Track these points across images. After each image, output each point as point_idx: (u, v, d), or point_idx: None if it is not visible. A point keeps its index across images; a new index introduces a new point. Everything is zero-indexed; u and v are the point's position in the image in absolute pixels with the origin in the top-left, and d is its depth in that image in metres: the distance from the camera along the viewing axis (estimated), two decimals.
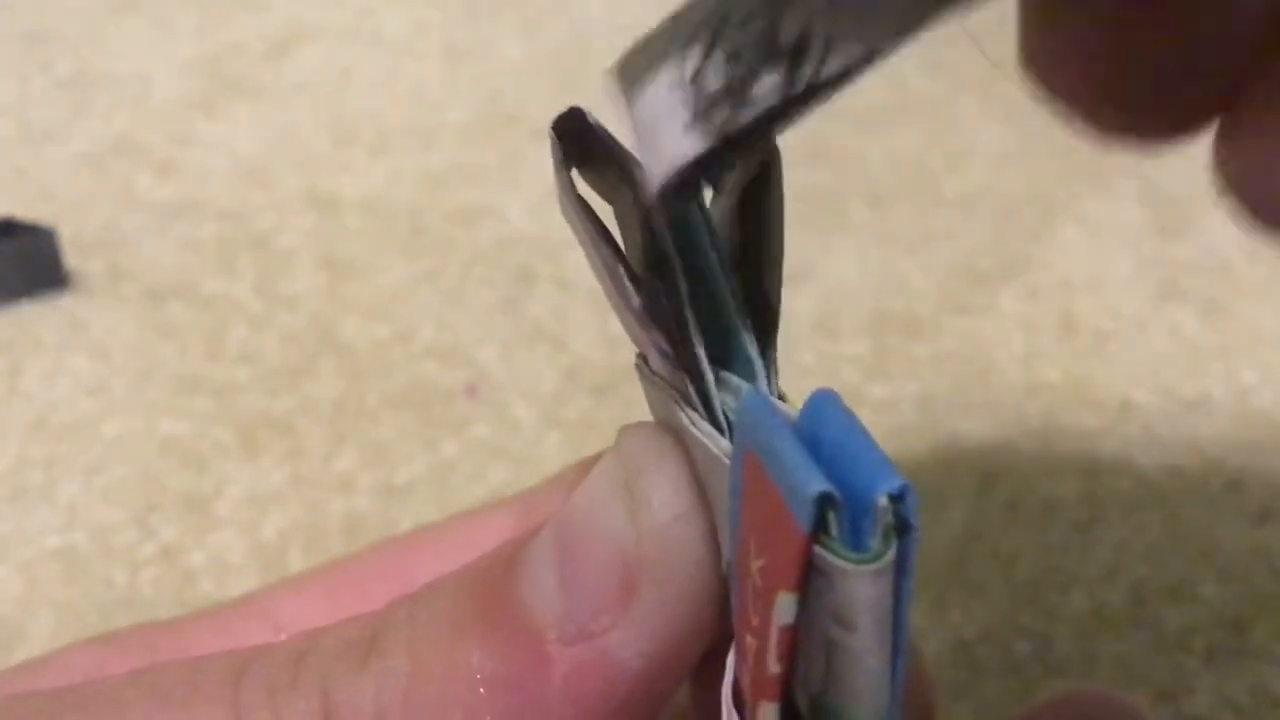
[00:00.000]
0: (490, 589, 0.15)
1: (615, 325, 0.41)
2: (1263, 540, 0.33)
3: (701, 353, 0.14)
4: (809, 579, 0.10)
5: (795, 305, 0.41)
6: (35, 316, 0.42)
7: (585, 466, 0.16)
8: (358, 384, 0.38)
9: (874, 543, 0.10)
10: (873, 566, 0.10)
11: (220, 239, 0.45)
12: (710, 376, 0.13)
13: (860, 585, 0.10)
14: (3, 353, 0.40)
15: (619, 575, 0.14)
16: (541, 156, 0.49)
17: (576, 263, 0.43)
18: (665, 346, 0.14)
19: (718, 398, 0.13)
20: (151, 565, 0.33)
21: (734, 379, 0.14)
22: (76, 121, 0.52)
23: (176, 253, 0.45)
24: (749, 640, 0.11)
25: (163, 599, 0.32)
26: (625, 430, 0.15)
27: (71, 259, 0.43)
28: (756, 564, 0.11)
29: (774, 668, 0.11)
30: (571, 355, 0.39)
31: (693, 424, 0.13)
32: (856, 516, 0.10)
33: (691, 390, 0.14)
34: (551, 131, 0.14)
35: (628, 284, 0.14)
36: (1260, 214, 0.13)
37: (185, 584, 0.32)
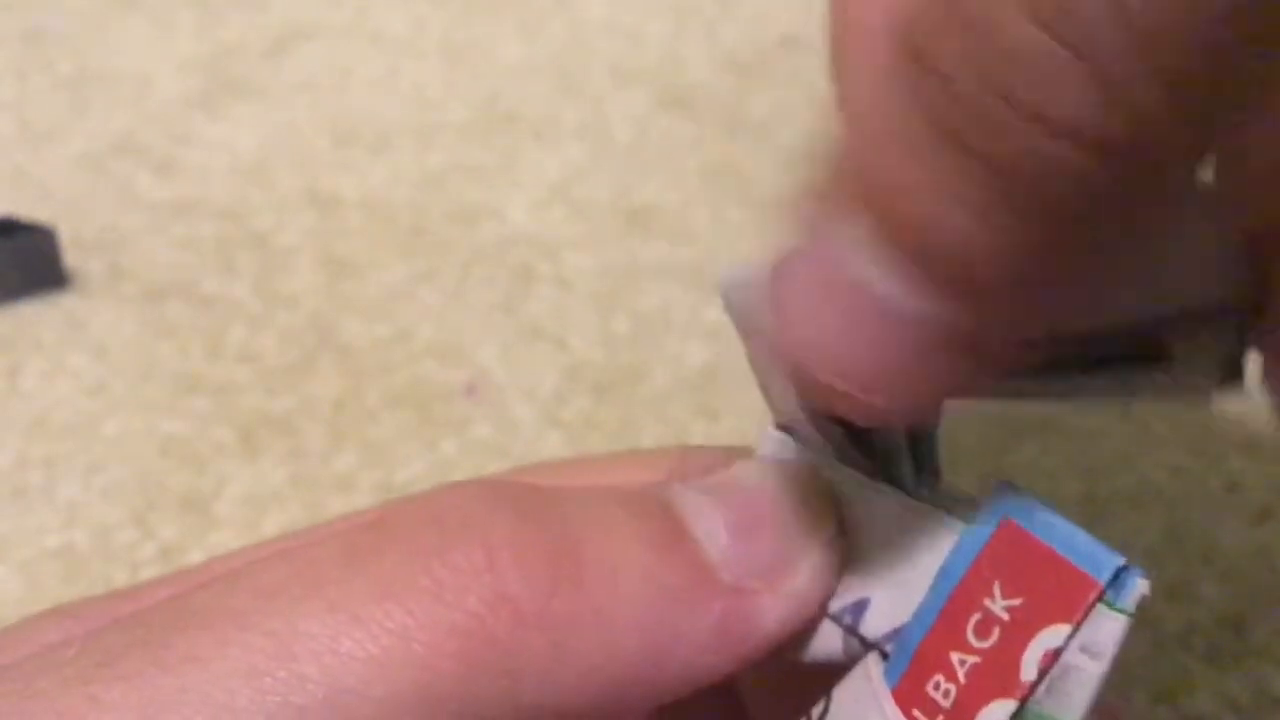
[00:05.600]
0: (657, 521, 0.16)
1: (615, 325, 0.41)
2: (1263, 540, 0.33)
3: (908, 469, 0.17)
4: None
5: None
6: (35, 316, 0.42)
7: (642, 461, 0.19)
8: (357, 384, 0.38)
9: (1129, 603, 0.15)
10: (1128, 618, 0.15)
11: (220, 238, 0.45)
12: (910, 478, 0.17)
13: (1119, 629, 0.15)
14: (3, 352, 0.40)
15: (782, 556, 0.17)
16: (541, 156, 0.49)
17: (576, 263, 0.43)
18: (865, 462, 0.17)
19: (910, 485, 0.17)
20: (151, 565, 0.33)
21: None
22: (76, 121, 0.52)
23: (176, 252, 0.45)
24: (959, 657, 0.15)
25: None
26: (793, 465, 0.18)
27: (71, 259, 0.43)
28: (1005, 602, 0.15)
29: (1029, 675, 0.15)
30: (571, 355, 0.39)
31: (879, 493, 0.17)
32: (1125, 583, 0.15)
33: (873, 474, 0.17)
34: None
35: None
36: None
37: None
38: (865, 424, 0.16)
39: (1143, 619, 0.33)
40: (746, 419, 0.37)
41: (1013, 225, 0.12)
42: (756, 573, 0.17)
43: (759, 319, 0.16)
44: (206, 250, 0.45)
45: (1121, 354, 0.16)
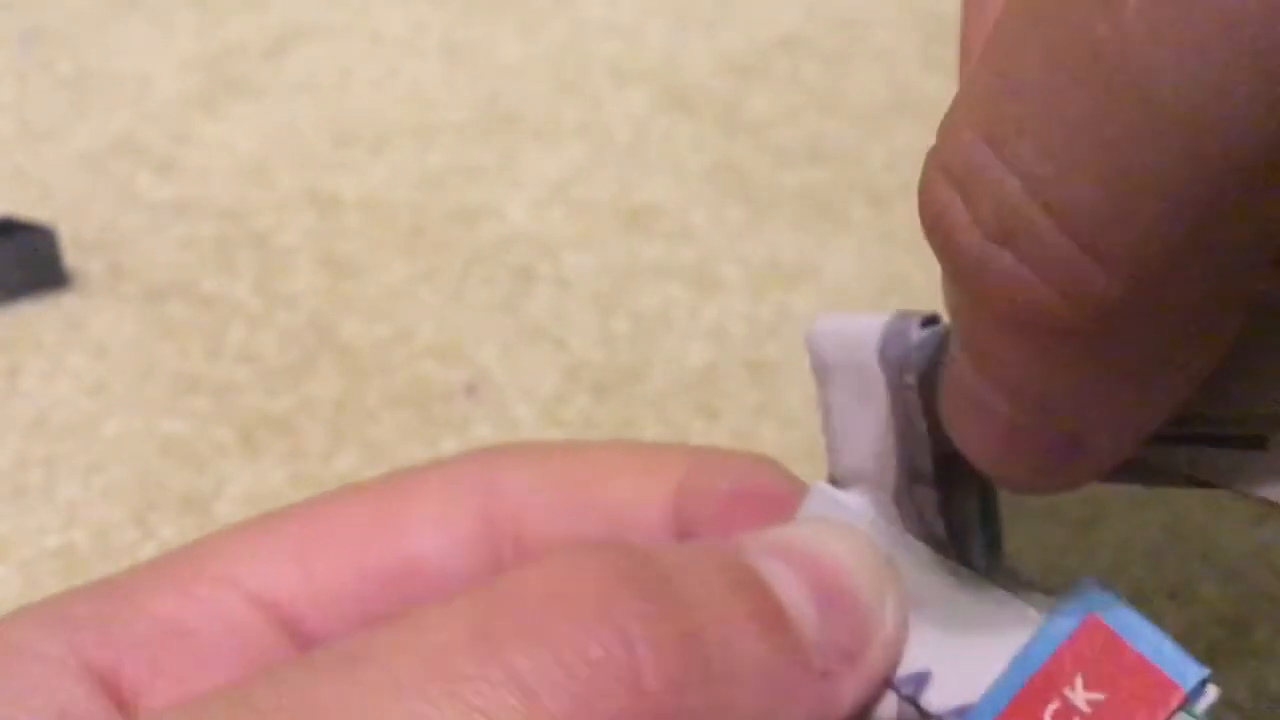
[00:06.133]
0: (758, 598, 0.17)
1: (615, 325, 0.41)
2: (1263, 540, 0.33)
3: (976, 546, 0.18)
4: None
5: (794, 305, 0.41)
6: (35, 316, 0.42)
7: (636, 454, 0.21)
8: (358, 383, 0.38)
9: (1203, 711, 0.16)
10: None
11: (220, 238, 0.45)
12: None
13: None
14: (3, 352, 0.40)
15: (861, 631, 0.17)
16: (541, 156, 0.49)
17: (576, 263, 0.43)
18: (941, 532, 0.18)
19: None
20: None
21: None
22: (76, 121, 0.52)
23: (176, 252, 0.45)
24: None
25: None
26: (855, 535, 0.18)
27: (71, 259, 0.43)
28: (1087, 695, 0.16)
29: None
30: (571, 355, 0.39)
31: (945, 565, 0.18)
32: (1203, 690, 0.16)
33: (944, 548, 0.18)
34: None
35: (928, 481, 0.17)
36: None
37: None
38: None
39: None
40: (746, 419, 0.37)
41: (1075, 375, 0.14)
42: (840, 653, 0.17)
43: (847, 364, 0.17)
44: (206, 250, 0.45)
45: (1217, 436, 0.17)
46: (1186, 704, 0.16)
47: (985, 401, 0.15)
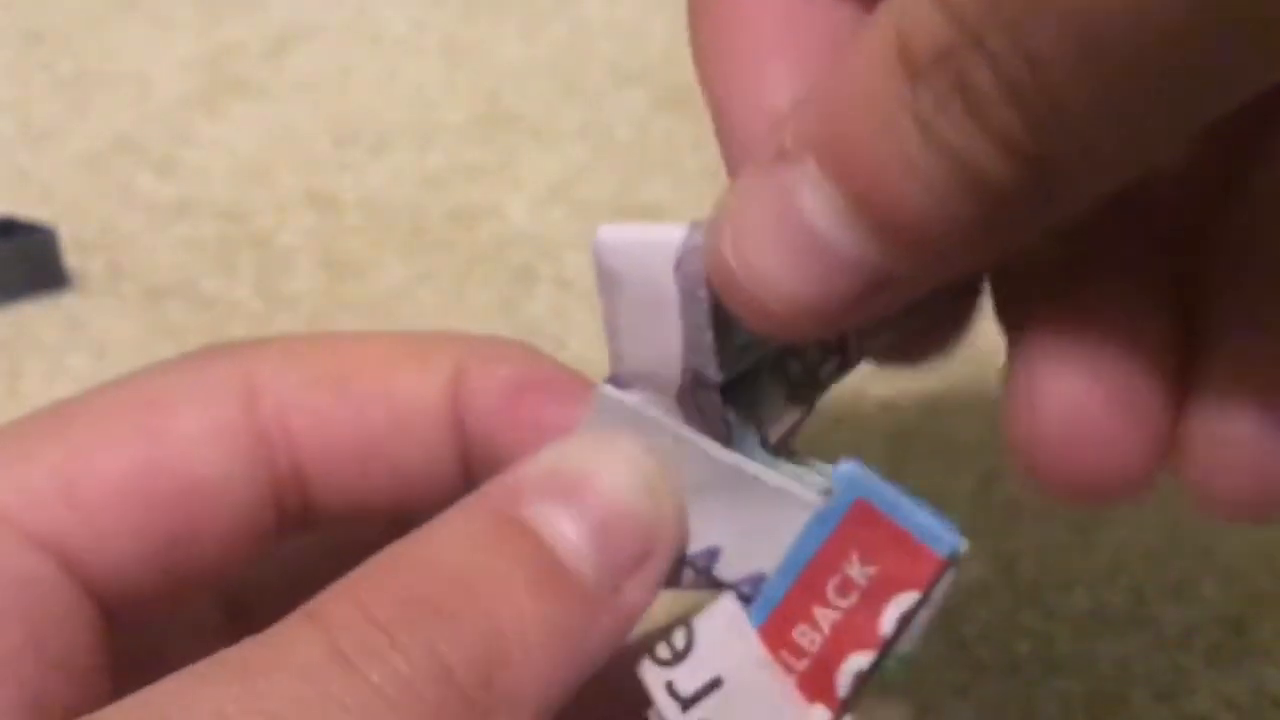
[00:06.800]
0: (534, 560, 0.17)
1: None
2: (1263, 540, 0.33)
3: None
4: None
5: None
6: (35, 316, 0.42)
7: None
8: None
9: (958, 561, 0.17)
10: (955, 571, 0.17)
11: (220, 238, 0.45)
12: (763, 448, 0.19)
13: (949, 583, 0.17)
14: (3, 353, 0.40)
15: (641, 547, 0.18)
16: (541, 156, 0.49)
17: (576, 263, 0.43)
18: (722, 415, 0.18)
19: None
20: None
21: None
22: (76, 121, 0.52)
23: (176, 252, 0.45)
24: (821, 612, 0.18)
25: None
26: (611, 440, 0.19)
27: (71, 259, 0.43)
28: (865, 570, 0.17)
29: (886, 632, 0.17)
30: (571, 355, 0.39)
31: (725, 452, 0.18)
32: (956, 554, 0.17)
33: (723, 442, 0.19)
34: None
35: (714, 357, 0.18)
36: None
37: None
38: (782, 343, 0.18)
39: (1143, 619, 0.33)
40: None
41: (965, 209, 0.14)
42: (625, 571, 0.18)
43: (638, 276, 0.18)
44: (206, 250, 0.45)
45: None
46: (946, 569, 0.17)
47: (842, 245, 0.15)
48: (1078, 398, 0.17)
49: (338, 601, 0.17)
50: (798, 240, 0.15)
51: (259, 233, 0.45)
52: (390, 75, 0.56)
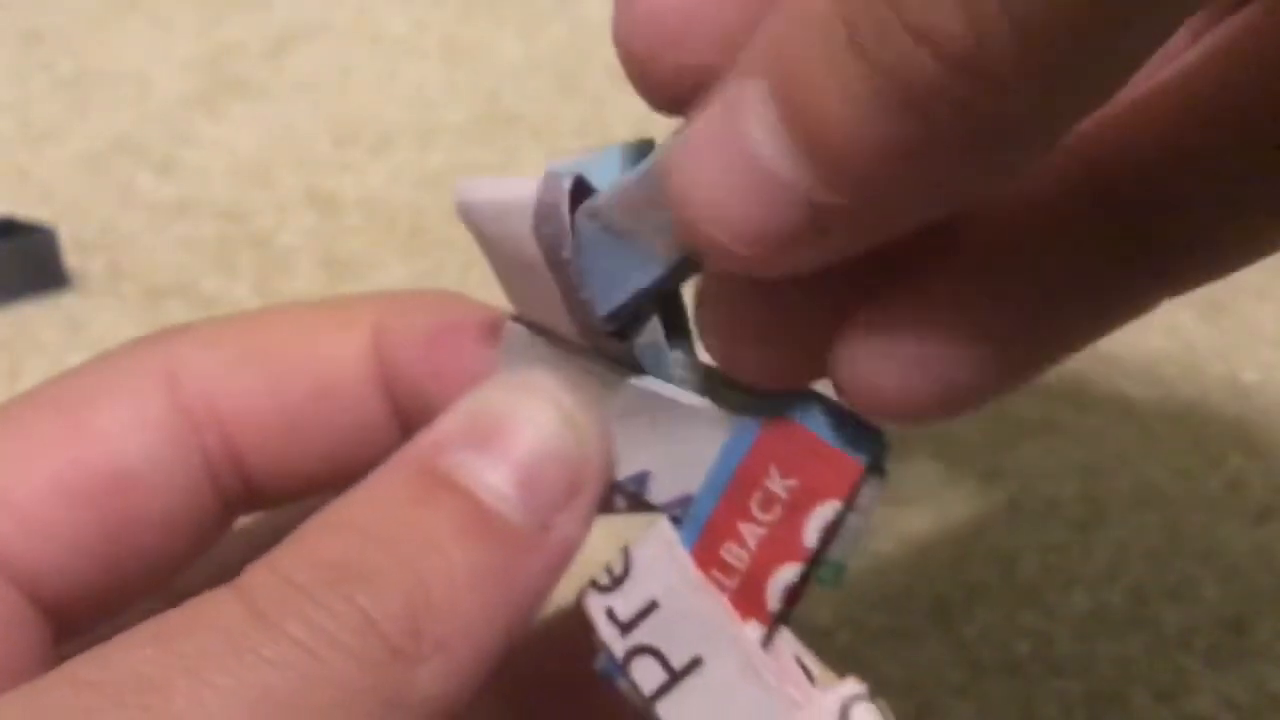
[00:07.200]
0: (459, 512, 0.17)
1: None
2: (1263, 540, 0.33)
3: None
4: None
5: None
6: (35, 316, 0.42)
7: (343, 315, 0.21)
8: None
9: (885, 466, 0.17)
10: (883, 477, 0.17)
11: (220, 238, 0.45)
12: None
13: (879, 490, 0.17)
14: (3, 353, 0.40)
15: (567, 483, 0.18)
16: (541, 156, 0.49)
17: None
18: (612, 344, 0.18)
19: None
20: None
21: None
22: (76, 121, 0.52)
23: (176, 252, 0.45)
24: (747, 528, 0.18)
25: None
26: (529, 378, 0.19)
27: (71, 259, 0.43)
28: (785, 482, 0.17)
29: (810, 543, 0.17)
30: None
31: (639, 379, 0.18)
32: (879, 459, 0.17)
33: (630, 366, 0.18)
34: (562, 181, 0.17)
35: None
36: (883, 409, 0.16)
37: None
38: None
39: (1143, 619, 0.33)
40: None
41: (894, 131, 0.14)
42: (553, 509, 0.18)
43: (502, 236, 0.18)
44: (206, 250, 0.45)
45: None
46: (866, 475, 0.17)
47: (781, 170, 0.15)
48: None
49: (257, 570, 0.17)
50: (738, 164, 0.15)
51: (259, 233, 0.45)
52: (390, 75, 0.56)
